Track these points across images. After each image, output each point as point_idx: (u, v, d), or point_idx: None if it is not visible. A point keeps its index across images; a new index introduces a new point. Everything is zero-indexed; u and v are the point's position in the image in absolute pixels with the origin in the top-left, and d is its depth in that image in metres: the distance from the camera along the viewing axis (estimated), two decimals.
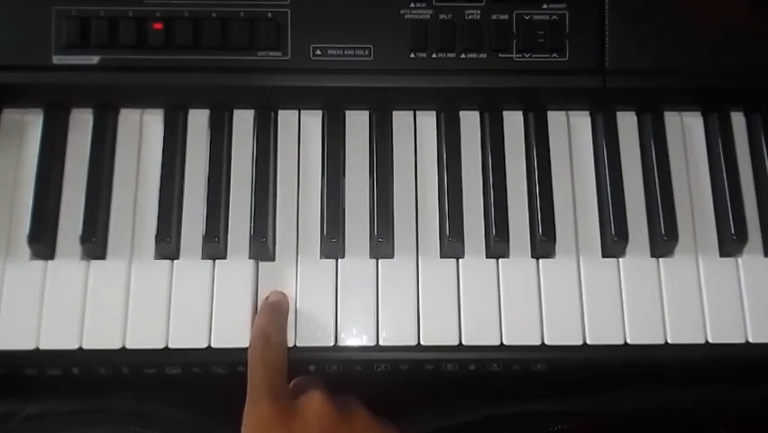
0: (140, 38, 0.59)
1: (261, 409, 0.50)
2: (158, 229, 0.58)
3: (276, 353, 0.53)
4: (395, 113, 0.62)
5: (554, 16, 0.60)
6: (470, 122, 0.62)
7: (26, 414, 0.58)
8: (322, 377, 0.55)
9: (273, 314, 0.55)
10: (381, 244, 0.58)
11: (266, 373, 0.51)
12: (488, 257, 0.59)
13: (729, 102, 0.63)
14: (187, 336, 0.56)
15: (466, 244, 0.58)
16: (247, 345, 0.55)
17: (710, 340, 0.58)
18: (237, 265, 0.58)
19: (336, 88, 0.60)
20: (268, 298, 0.57)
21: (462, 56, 0.60)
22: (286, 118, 0.62)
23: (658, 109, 0.62)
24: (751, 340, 0.58)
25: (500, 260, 0.59)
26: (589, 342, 0.57)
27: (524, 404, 0.60)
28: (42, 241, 0.57)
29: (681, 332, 0.58)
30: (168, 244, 0.57)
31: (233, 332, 0.56)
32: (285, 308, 0.56)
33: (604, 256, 0.59)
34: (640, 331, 0.57)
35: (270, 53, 0.59)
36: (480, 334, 0.57)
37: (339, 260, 0.58)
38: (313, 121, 0.62)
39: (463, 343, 0.57)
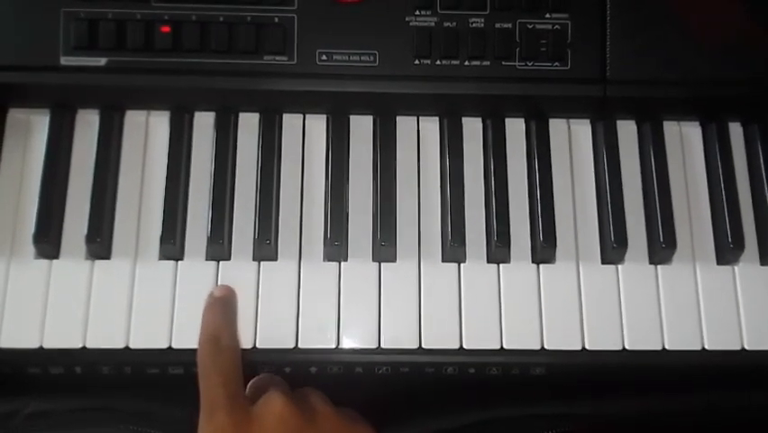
0: (147, 40, 0.59)
1: (219, 421, 0.47)
2: (163, 230, 0.58)
3: (229, 356, 0.50)
4: (398, 118, 0.62)
5: (557, 26, 0.61)
6: (472, 128, 0.63)
7: (29, 412, 0.58)
8: (319, 378, 0.56)
9: (222, 312, 0.52)
10: (384, 248, 0.59)
11: (220, 379, 0.48)
12: (489, 262, 0.59)
13: (727, 113, 0.64)
14: (190, 335, 0.56)
15: (467, 248, 0.59)
16: (250, 347, 0.56)
17: (707, 347, 0.58)
18: (240, 266, 0.58)
19: (341, 93, 0.60)
20: (212, 293, 0.54)
21: (466, 63, 0.61)
22: (291, 122, 0.62)
23: (657, 118, 0.63)
24: (747, 347, 0.58)
25: (501, 265, 0.59)
26: (587, 347, 0.58)
27: (522, 408, 0.61)
28: (47, 240, 0.57)
29: (679, 338, 0.58)
30: (172, 245, 0.58)
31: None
32: (233, 304, 0.54)
33: (603, 263, 0.60)
34: (638, 337, 0.58)
35: (277, 58, 0.60)
36: (480, 338, 0.58)
37: (342, 263, 0.59)
38: (317, 125, 0.62)
39: (464, 346, 0.57)
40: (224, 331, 0.51)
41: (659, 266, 0.60)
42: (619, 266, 0.60)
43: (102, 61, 0.59)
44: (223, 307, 0.53)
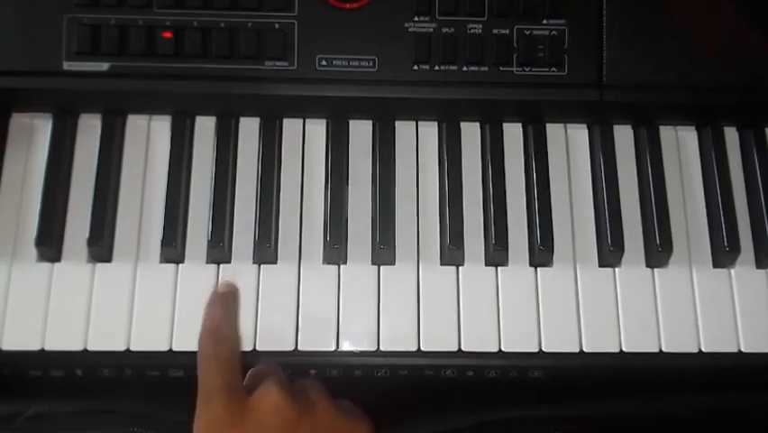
0: (149, 46, 0.60)
1: (214, 409, 0.47)
2: (164, 233, 0.58)
3: (229, 347, 0.51)
4: (397, 123, 0.63)
5: (554, 32, 0.62)
6: (470, 133, 0.63)
7: (29, 414, 0.58)
8: (320, 379, 0.56)
9: (224, 306, 0.54)
10: (383, 251, 0.59)
11: (218, 368, 0.49)
12: (487, 265, 0.60)
13: (723, 117, 0.64)
14: (190, 338, 0.56)
15: (466, 251, 0.60)
16: (250, 349, 0.57)
17: (703, 349, 0.59)
18: (241, 269, 0.59)
19: (341, 98, 0.61)
20: (215, 290, 0.56)
21: (464, 69, 0.61)
22: (291, 126, 0.63)
23: (654, 123, 0.64)
24: (743, 350, 0.59)
25: (499, 268, 0.60)
26: (585, 349, 0.58)
27: (520, 410, 0.61)
28: (49, 243, 0.58)
29: (675, 341, 0.59)
30: (173, 249, 0.58)
31: None
32: (235, 300, 0.55)
33: (600, 266, 0.61)
34: (635, 339, 0.59)
35: (277, 63, 0.61)
36: (478, 340, 0.58)
37: (341, 266, 0.59)
38: (317, 129, 0.63)
39: (462, 349, 0.58)
40: (224, 323, 0.52)
41: (656, 269, 0.61)
42: (616, 269, 0.60)
43: (104, 66, 0.60)
44: (224, 301, 0.55)
